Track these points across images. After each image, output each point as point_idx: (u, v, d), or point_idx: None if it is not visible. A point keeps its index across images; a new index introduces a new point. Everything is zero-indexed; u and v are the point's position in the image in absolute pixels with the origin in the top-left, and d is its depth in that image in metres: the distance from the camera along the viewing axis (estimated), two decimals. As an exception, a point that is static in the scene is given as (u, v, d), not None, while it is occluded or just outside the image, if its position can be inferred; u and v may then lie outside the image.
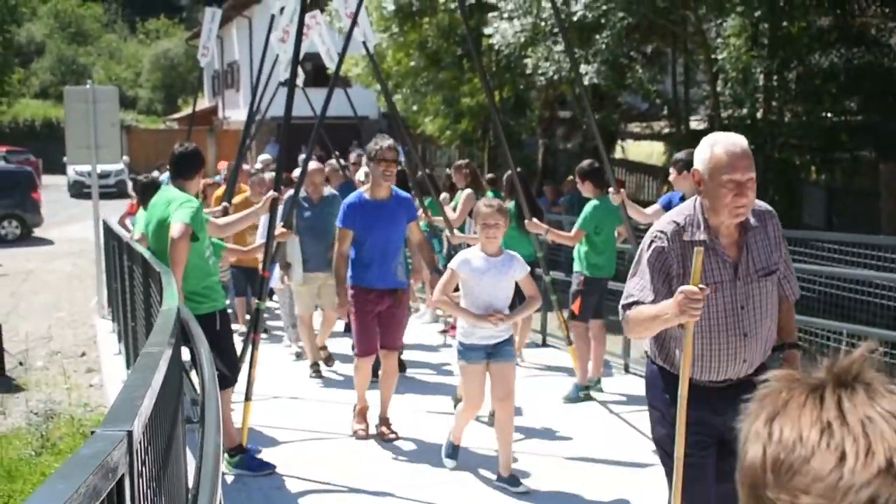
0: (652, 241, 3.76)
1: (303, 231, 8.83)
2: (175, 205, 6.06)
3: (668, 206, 6.95)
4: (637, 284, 3.77)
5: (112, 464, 1.77)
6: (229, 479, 6.18)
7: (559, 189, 17.98)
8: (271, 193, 7.07)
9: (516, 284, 5.97)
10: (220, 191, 11.21)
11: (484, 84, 9.32)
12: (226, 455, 6.30)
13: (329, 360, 9.51)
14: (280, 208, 7.64)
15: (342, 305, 7.03)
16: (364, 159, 7.25)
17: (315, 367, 9.17)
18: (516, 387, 8.26)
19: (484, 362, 5.85)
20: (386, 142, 6.75)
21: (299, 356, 9.83)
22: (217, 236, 6.79)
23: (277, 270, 9.25)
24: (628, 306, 3.77)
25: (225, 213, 9.26)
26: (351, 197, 6.99)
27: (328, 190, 9.37)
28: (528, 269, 5.96)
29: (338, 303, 7.11)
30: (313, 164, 9.26)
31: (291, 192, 8.37)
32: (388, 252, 6.89)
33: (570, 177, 17.37)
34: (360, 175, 9.93)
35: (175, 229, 5.88)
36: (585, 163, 8.37)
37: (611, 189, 7.67)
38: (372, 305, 6.88)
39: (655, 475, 6.08)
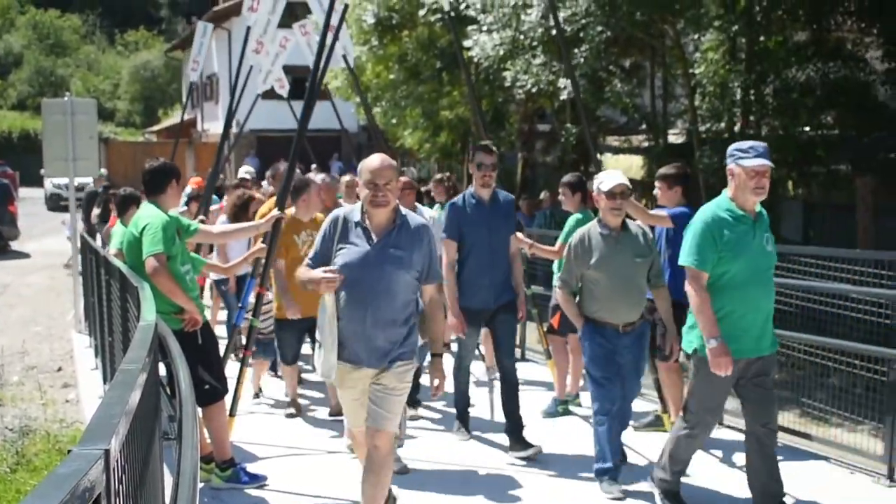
0: None
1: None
2: (139, 230, 5.99)
3: (675, 214, 7.05)
4: None
5: (89, 483, 1.75)
6: (207, 495, 6.14)
7: (538, 203, 16.97)
8: (276, 213, 6.93)
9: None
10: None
11: (471, 95, 9.33)
12: (217, 469, 6.27)
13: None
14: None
15: None
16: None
17: None
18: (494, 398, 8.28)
19: None
20: None
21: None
22: (211, 243, 6.71)
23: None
24: None
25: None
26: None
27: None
28: None
29: None
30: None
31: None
32: None
33: (546, 192, 17.12)
34: None
35: (148, 266, 5.82)
36: (573, 175, 8.49)
37: None
38: None
39: (633, 489, 6.09)
